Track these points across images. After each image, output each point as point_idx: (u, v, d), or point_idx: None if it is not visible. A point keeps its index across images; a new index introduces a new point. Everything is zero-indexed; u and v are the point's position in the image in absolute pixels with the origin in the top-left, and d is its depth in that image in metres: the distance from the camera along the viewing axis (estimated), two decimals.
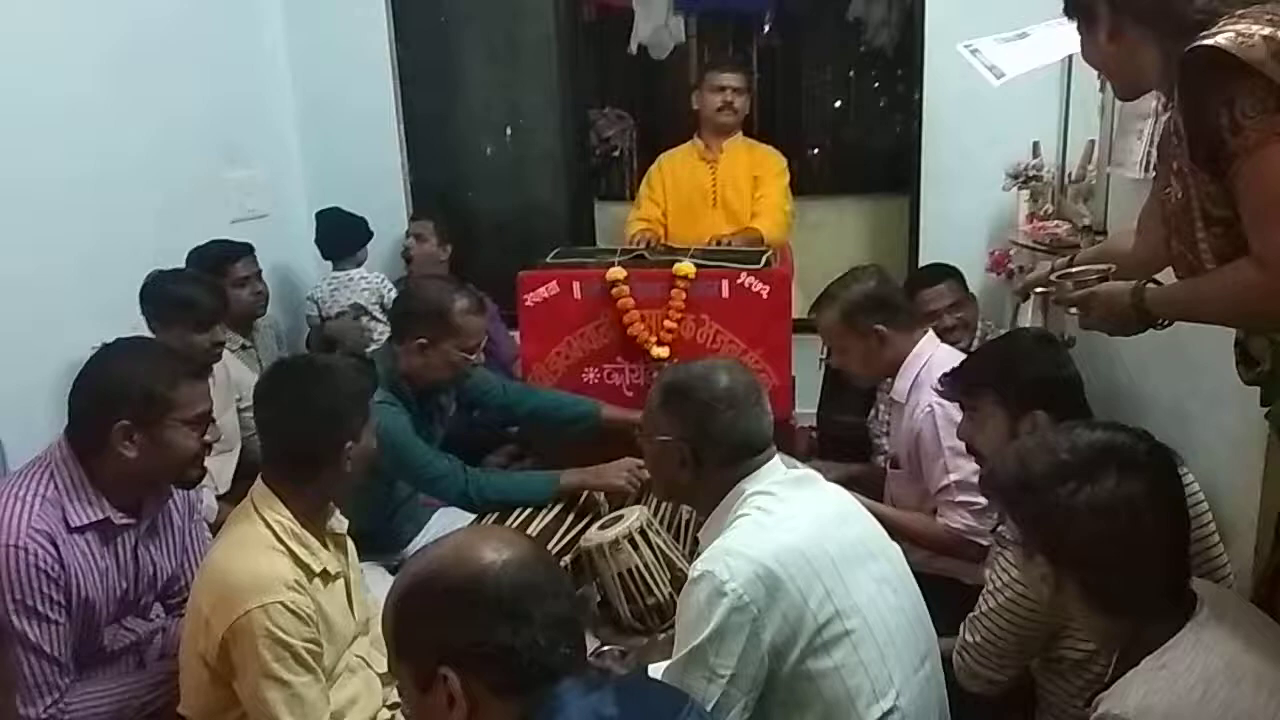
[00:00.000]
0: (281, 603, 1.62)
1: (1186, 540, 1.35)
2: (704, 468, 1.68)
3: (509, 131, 4.36)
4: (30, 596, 1.68)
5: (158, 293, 2.74)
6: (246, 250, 3.36)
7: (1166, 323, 1.54)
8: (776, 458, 1.71)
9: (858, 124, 4.94)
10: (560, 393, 2.87)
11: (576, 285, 2.88)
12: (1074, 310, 1.64)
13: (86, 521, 1.77)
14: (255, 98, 3.87)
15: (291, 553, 1.71)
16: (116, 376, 1.79)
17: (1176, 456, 1.35)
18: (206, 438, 1.87)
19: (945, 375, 2.07)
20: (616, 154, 4.83)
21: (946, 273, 3.08)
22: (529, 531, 2.39)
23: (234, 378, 3.02)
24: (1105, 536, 1.27)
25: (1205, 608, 1.29)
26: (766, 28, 4.73)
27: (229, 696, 1.66)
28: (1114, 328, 1.61)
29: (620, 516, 2.36)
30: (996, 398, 1.89)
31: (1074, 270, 1.68)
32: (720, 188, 3.65)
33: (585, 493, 2.58)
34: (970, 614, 1.77)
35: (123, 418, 1.76)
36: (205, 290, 2.78)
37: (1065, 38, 2.39)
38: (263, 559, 1.68)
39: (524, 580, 1.14)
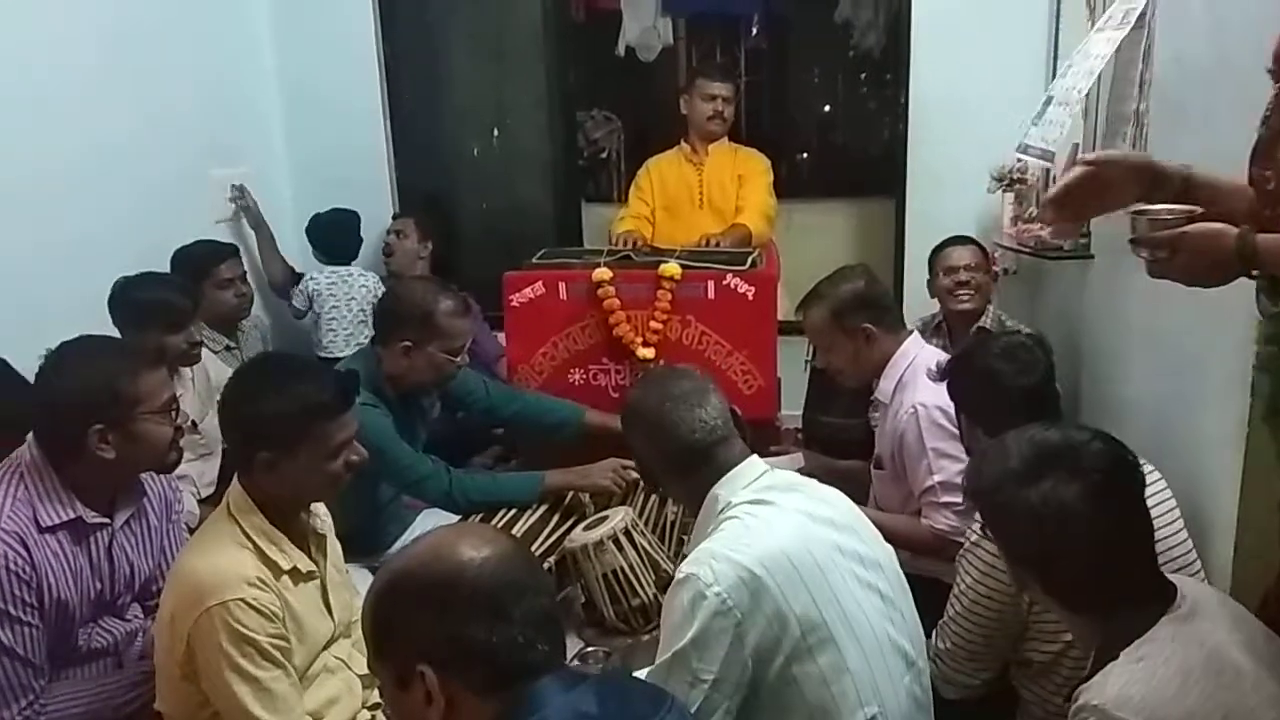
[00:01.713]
0: (242, 599, 1.61)
1: (1146, 538, 1.35)
2: (652, 477, 1.79)
3: (496, 132, 4.36)
4: (1, 599, 1.67)
5: (128, 299, 2.69)
6: (231, 251, 3.35)
7: (1257, 276, 1.37)
8: (753, 459, 1.71)
9: (845, 127, 4.94)
10: (545, 396, 2.86)
11: (562, 286, 2.88)
12: (1146, 254, 1.44)
13: (58, 521, 1.76)
14: (240, 97, 3.86)
15: (258, 549, 1.69)
16: (79, 382, 1.78)
17: (1132, 456, 1.36)
18: (178, 421, 1.88)
19: (938, 370, 2.09)
20: (604, 156, 4.83)
21: (972, 240, 3.20)
22: (514, 532, 2.38)
23: (214, 380, 2.98)
24: (1045, 537, 1.30)
25: (1186, 602, 1.30)
26: (755, 30, 4.73)
27: (202, 693, 1.65)
28: (1197, 277, 1.43)
29: (605, 518, 2.36)
30: (977, 424, 1.92)
31: (1155, 208, 1.47)
32: (707, 188, 3.68)
33: (570, 494, 2.57)
34: (940, 620, 1.79)
35: (95, 422, 1.75)
36: (176, 292, 2.75)
37: (1083, 72, 2.42)
38: (225, 556, 1.66)
39: (502, 577, 1.13)
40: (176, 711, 1.71)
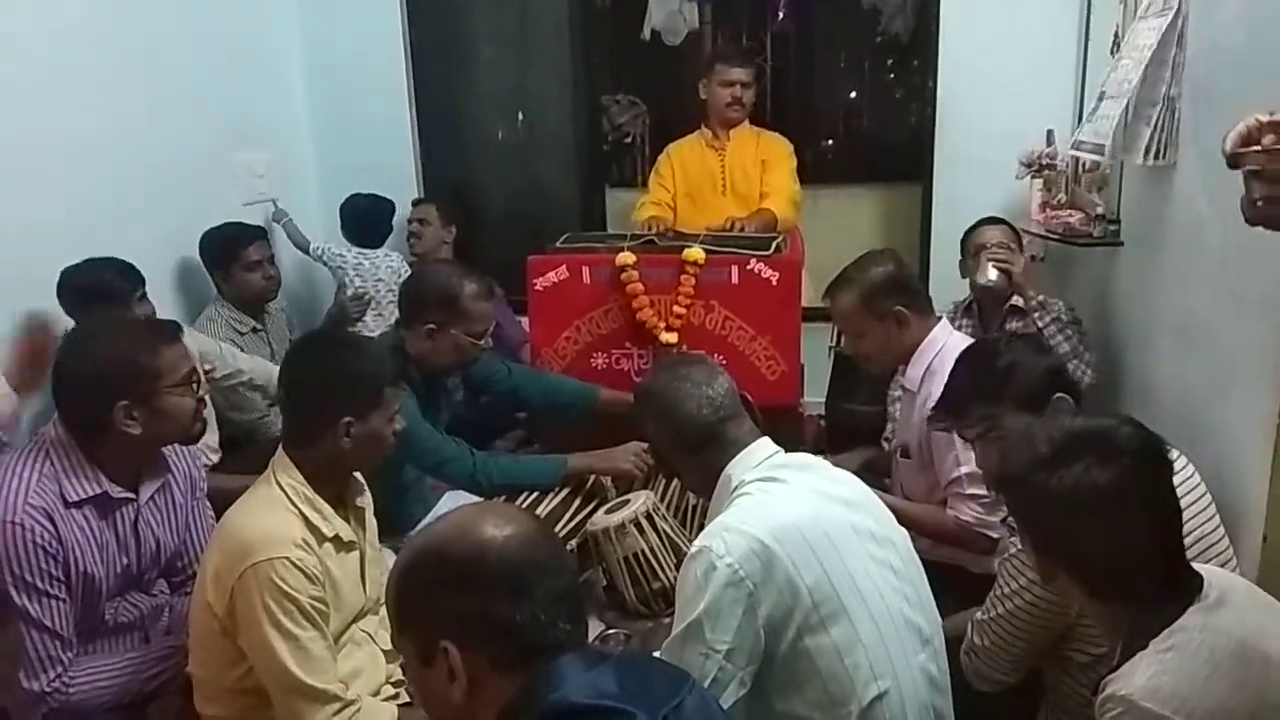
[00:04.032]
0: (287, 558, 1.66)
1: (1175, 525, 1.33)
2: (666, 461, 1.81)
3: (521, 116, 4.36)
4: (29, 572, 1.70)
5: (70, 285, 2.68)
6: (259, 234, 3.37)
7: None
8: (764, 439, 1.73)
9: (871, 112, 4.90)
10: (563, 377, 2.87)
11: (586, 270, 2.87)
12: (1261, 192, 1.25)
13: (84, 496, 1.79)
14: (266, 82, 3.88)
15: (303, 515, 1.75)
16: (102, 361, 1.81)
17: (1163, 443, 1.35)
18: (199, 393, 1.92)
19: (940, 412, 2.01)
20: (629, 141, 4.81)
21: (1006, 222, 3.16)
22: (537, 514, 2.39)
23: (192, 351, 2.99)
24: (1078, 524, 1.28)
25: (1213, 591, 1.29)
26: (781, 14, 4.69)
27: (236, 649, 1.69)
28: None
29: (627, 501, 2.36)
30: (1016, 406, 1.83)
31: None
32: (729, 174, 3.66)
33: (592, 477, 2.58)
34: (978, 616, 1.76)
35: (120, 399, 1.78)
36: (115, 273, 2.73)
37: (1134, 64, 2.38)
38: (274, 518, 1.72)
39: (525, 556, 1.14)
40: (208, 671, 1.75)
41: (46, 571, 1.72)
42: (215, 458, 2.84)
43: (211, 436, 2.90)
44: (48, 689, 1.73)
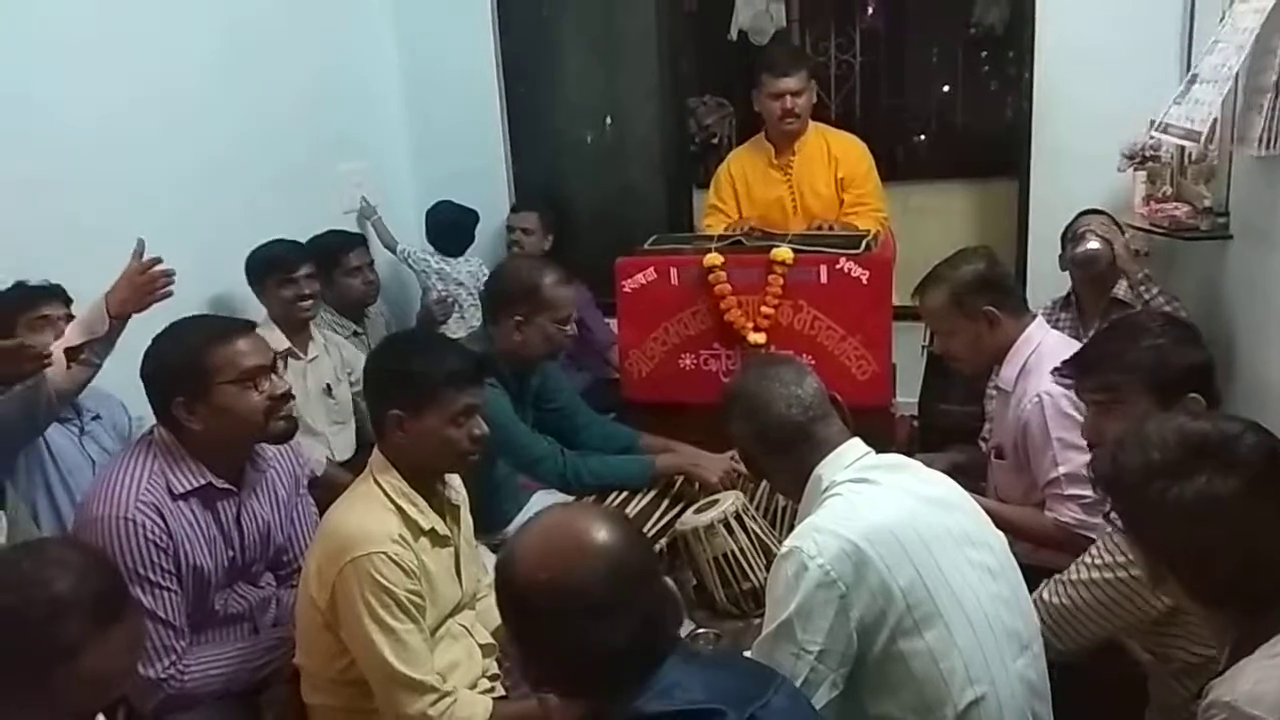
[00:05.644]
0: (385, 553, 1.71)
1: None
2: (754, 463, 1.79)
3: (609, 120, 4.40)
4: (142, 565, 1.78)
5: (250, 259, 3.02)
6: (359, 240, 3.50)
7: None
8: (855, 440, 1.71)
9: (965, 106, 4.79)
10: (610, 423, 2.87)
11: (674, 271, 2.88)
12: None
13: (189, 488, 1.86)
14: (363, 93, 3.99)
15: (401, 511, 1.80)
16: (158, 359, 1.88)
17: None
18: (274, 390, 1.89)
19: (1069, 366, 1.95)
20: (715, 142, 4.80)
21: (1108, 214, 3.09)
22: (625, 514, 2.41)
23: (346, 356, 3.19)
24: (1197, 535, 1.23)
25: None
26: (870, 9, 4.62)
27: (339, 643, 1.75)
28: None
29: (715, 501, 2.36)
30: (1146, 387, 1.77)
31: None
32: (799, 196, 3.49)
33: (680, 479, 2.58)
34: (1059, 576, 1.73)
35: (175, 394, 1.84)
36: (287, 246, 3.04)
37: (1233, 48, 2.29)
38: (373, 515, 1.77)
39: (622, 580, 1.16)
40: (315, 663, 1.82)
41: (158, 565, 1.80)
42: (345, 455, 3.07)
43: (341, 438, 3.11)
44: (163, 676, 1.81)
